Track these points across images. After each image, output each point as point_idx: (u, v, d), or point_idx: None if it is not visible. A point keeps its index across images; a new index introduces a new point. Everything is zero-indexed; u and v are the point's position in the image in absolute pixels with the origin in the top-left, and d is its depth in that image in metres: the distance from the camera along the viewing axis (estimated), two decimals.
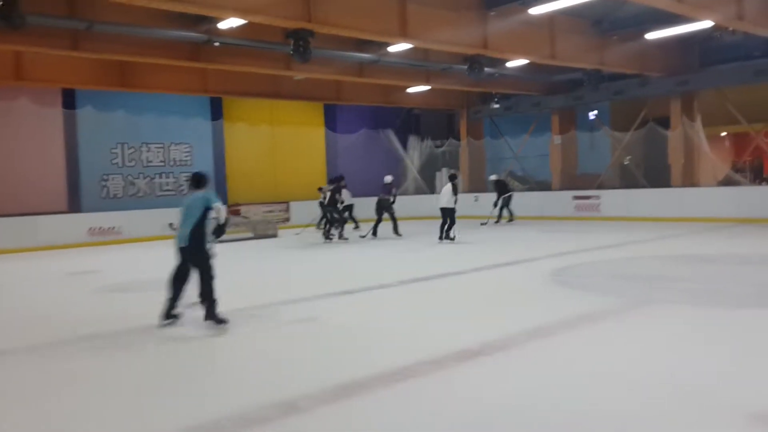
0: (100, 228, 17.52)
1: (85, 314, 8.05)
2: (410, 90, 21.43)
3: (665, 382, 4.48)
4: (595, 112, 22.94)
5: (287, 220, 21.36)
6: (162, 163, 20.00)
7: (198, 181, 6.96)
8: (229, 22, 12.31)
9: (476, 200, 21.67)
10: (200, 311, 6.63)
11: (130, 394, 4.81)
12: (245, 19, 11.68)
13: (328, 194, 16.02)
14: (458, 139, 25.14)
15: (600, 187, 20.65)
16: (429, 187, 25.02)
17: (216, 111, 21.01)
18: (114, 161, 19.08)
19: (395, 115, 25.43)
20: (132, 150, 19.41)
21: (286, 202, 21.77)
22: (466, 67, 15.60)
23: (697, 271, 9.59)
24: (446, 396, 4.43)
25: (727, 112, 18.70)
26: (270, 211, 20.92)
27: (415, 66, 17.44)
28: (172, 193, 20.09)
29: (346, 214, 17.86)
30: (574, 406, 4.13)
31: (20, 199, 17.08)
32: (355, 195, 19.31)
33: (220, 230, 6.85)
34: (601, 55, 16.30)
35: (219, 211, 6.71)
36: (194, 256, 6.63)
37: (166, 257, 14.00)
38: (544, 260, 11.04)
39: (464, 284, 9.30)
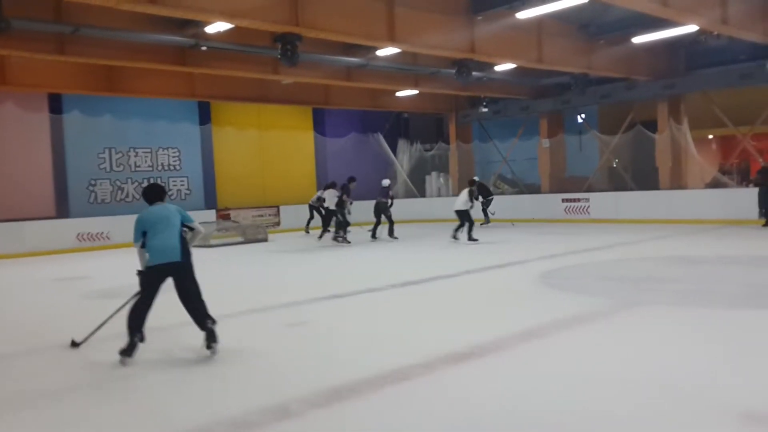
0: (88, 233, 17.38)
1: (73, 320, 7.98)
2: (399, 94, 21.47)
3: (656, 382, 4.49)
4: (583, 115, 23.07)
5: (277, 224, 21.32)
6: (150, 168, 19.89)
7: (158, 193, 6.21)
8: (217, 26, 12.26)
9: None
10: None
11: (119, 400, 4.77)
12: (232, 23, 11.64)
13: (329, 196, 16.22)
14: (447, 142, 25.21)
15: (589, 189, 20.76)
16: (419, 190, 25.05)
17: (204, 115, 20.94)
18: (102, 166, 18.96)
19: (384, 118, 25.45)
20: (120, 155, 19.30)
21: (276, 206, 21.73)
22: (454, 71, 15.66)
23: (685, 272, 9.65)
24: (437, 398, 4.42)
25: (714, 115, 18.87)
26: (260, 216, 20.87)
27: (404, 70, 17.47)
28: None
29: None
30: (565, 408, 4.13)
31: (7, 205, 16.94)
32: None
33: (186, 248, 6.02)
34: (589, 59, 16.40)
35: (196, 231, 6.15)
36: (189, 272, 5.94)
37: None
38: (534, 262, 11.07)
39: (455, 287, 9.30)
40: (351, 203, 15.99)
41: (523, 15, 12.89)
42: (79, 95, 17.76)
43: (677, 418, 3.89)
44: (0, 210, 16.73)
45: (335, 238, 15.90)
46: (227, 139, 21.53)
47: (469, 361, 5.28)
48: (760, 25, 13.53)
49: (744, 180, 19.72)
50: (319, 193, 19.00)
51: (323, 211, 17.65)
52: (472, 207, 14.65)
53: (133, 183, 19.51)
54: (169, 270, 5.83)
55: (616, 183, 21.24)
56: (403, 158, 25.73)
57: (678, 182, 19.01)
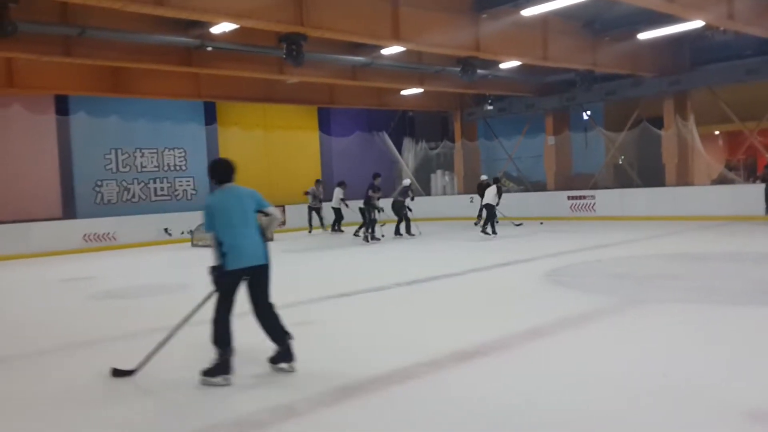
0: (94, 234, 17.47)
1: (79, 321, 8.03)
2: (404, 92, 21.46)
3: (661, 380, 4.48)
4: (589, 112, 23.01)
5: (283, 223, 21.32)
6: (156, 169, 19.96)
7: (227, 171, 5.21)
8: (222, 27, 12.30)
9: (471, 201, 21.70)
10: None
11: (124, 400, 4.80)
12: (238, 24, 11.67)
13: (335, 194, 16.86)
14: (453, 140, 25.18)
15: (594, 186, 20.71)
16: (424, 189, 25.03)
17: (210, 116, 20.99)
18: (108, 167, 19.04)
19: (389, 117, 25.45)
20: (126, 156, 19.37)
21: (282, 206, 21.72)
22: (459, 69, 15.64)
23: (691, 269, 9.63)
24: (443, 397, 4.43)
25: (720, 111, 18.78)
26: (265, 215, 20.92)
27: (409, 68, 17.46)
28: (167, 198, 20.07)
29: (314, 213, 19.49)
30: (571, 406, 4.14)
31: (14, 206, 17.03)
32: (350, 198, 19.39)
33: (264, 235, 5.19)
34: (594, 55, 16.35)
35: (273, 217, 5.24)
36: (268, 275, 5.11)
37: (162, 263, 14.07)
38: (540, 260, 11.06)
39: (461, 285, 9.30)
40: (378, 199, 16.09)
41: (527, 12, 12.86)
42: (85, 96, 17.84)
43: (682, 416, 3.89)
44: (7, 211, 16.82)
45: (365, 237, 15.92)
46: (233, 139, 21.58)
47: (475, 359, 5.29)
48: (766, 20, 13.45)
49: (751, 176, 19.63)
50: (311, 190, 19.14)
51: (320, 210, 18.19)
52: (498, 203, 15.44)
53: (139, 183, 19.59)
54: (249, 275, 5.02)
55: (621, 180, 21.17)
56: (409, 157, 25.72)
57: (684, 179, 18.94)
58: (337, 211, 19.38)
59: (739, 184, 17.99)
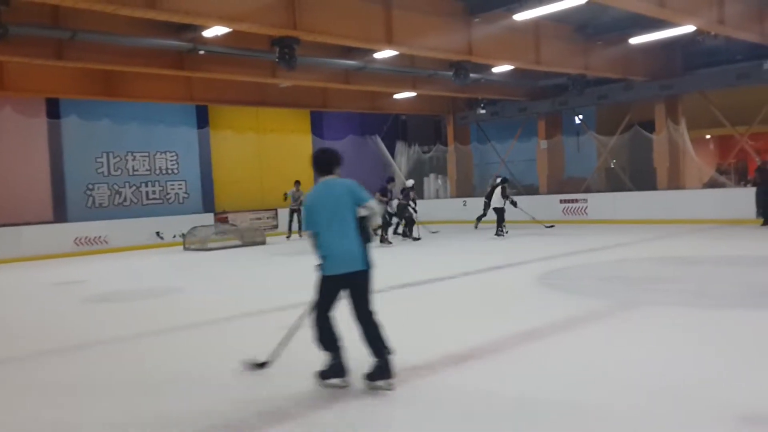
0: (86, 238, 17.39)
1: (71, 324, 7.98)
2: (397, 96, 21.47)
3: (654, 383, 4.49)
4: (581, 116, 23.09)
5: (275, 227, 21.31)
6: (148, 172, 19.90)
7: (328, 161, 4.78)
8: (214, 30, 12.28)
9: (465, 205, 21.74)
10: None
11: (114, 403, 4.76)
12: (230, 27, 11.66)
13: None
14: (445, 144, 25.22)
15: (587, 190, 20.77)
16: (417, 192, 24.98)
17: (202, 119, 20.95)
18: (99, 170, 18.97)
19: (382, 121, 25.46)
20: (117, 159, 19.30)
21: (274, 209, 21.72)
22: (451, 73, 15.68)
23: (683, 272, 9.66)
24: (438, 399, 4.42)
25: (711, 115, 18.90)
26: (257, 219, 20.87)
27: (401, 72, 17.50)
28: (159, 201, 20.01)
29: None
30: (564, 409, 4.13)
31: (5, 210, 16.93)
32: None
33: (366, 236, 4.64)
34: (586, 60, 16.42)
35: (373, 212, 4.61)
36: (369, 282, 4.64)
37: (153, 266, 14.01)
38: (533, 263, 11.08)
39: (455, 288, 9.30)
40: (388, 204, 16.07)
41: (520, 17, 12.90)
42: (76, 100, 17.77)
43: (675, 419, 3.89)
44: None
45: (405, 234, 15.78)
46: (225, 142, 21.54)
47: (469, 362, 5.28)
48: (756, 25, 13.56)
49: (742, 180, 19.74)
50: (291, 191, 18.77)
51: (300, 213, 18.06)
52: (504, 204, 16.01)
53: (130, 187, 19.52)
54: (347, 282, 4.58)
55: (613, 184, 21.25)
56: (401, 160, 25.73)
57: (676, 182, 19.02)
58: None
59: (730, 187, 18.09)
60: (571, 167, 22.76)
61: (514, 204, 16.85)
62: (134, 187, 19.57)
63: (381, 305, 8.19)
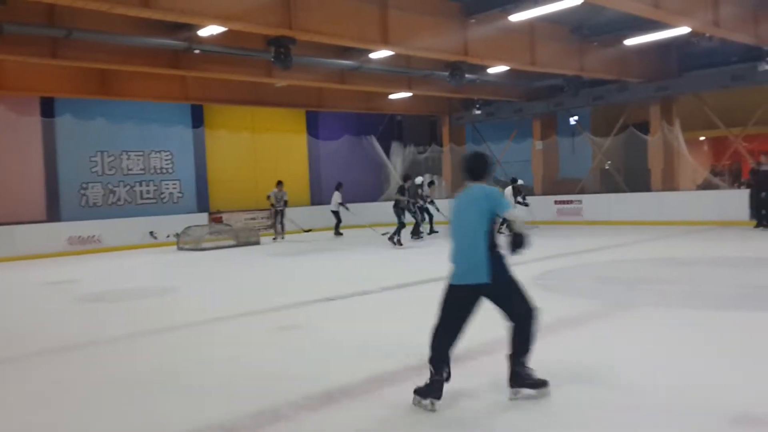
0: (79, 237, 17.32)
1: (64, 324, 7.95)
2: (392, 96, 21.46)
3: (648, 384, 4.50)
4: (576, 117, 23.13)
5: (270, 227, 21.24)
6: (142, 171, 19.84)
7: (476, 167, 4.54)
8: (210, 30, 12.23)
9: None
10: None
11: (108, 405, 4.74)
12: (226, 27, 11.63)
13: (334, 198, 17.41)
14: (441, 145, 25.23)
15: (581, 191, 20.80)
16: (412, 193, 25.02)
17: (197, 118, 20.89)
18: (94, 169, 18.89)
19: (378, 121, 25.45)
20: (112, 158, 19.23)
21: (269, 210, 21.65)
22: (447, 73, 15.67)
23: (678, 273, 9.68)
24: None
25: (706, 116, 18.95)
26: (252, 219, 20.82)
27: (397, 72, 17.49)
28: (153, 201, 19.95)
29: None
30: (557, 410, 4.13)
31: None
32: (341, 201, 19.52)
33: (518, 242, 4.32)
34: (581, 61, 16.44)
35: (516, 221, 4.31)
36: (502, 292, 4.33)
37: (147, 266, 13.97)
38: (529, 264, 11.03)
39: None
40: (407, 202, 16.13)
41: (515, 18, 12.91)
42: (71, 98, 17.71)
43: (670, 420, 3.89)
44: None
45: (391, 239, 15.52)
46: (220, 142, 21.49)
47: (462, 363, 5.26)
48: (751, 27, 13.61)
49: (736, 181, 19.80)
50: (273, 192, 18.58)
51: (283, 215, 18.19)
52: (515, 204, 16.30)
53: (125, 186, 19.45)
54: (474, 294, 4.32)
55: (608, 185, 21.28)
56: (397, 161, 25.73)
57: (670, 184, 19.07)
58: (336, 214, 19.35)
59: (724, 189, 18.14)
60: (566, 168, 22.79)
61: (525, 205, 17.24)
62: (128, 187, 19.50)
63: (373, 306, 8.22)
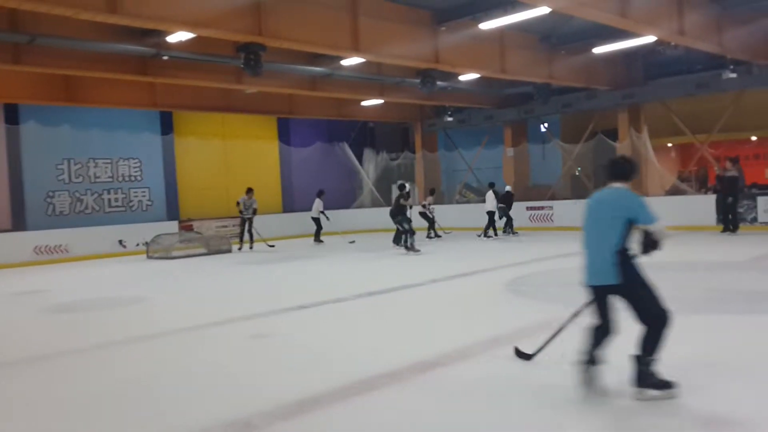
0: (46, 246, 16.96)
1: (30, 336, 7.76)
2: (364, 103, 21.48)
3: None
4: (546, 124, 23.39)
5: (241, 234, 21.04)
6: (110, 179, 19.52)
7: (618, 167, 4.52)
8: (178, 36, 12.10)
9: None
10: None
11: (76, 417, 4.63)
12: (195, 33, 11.50)
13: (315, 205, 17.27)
14: (413, 151, 25.32)
15: (552, 197, 21.01)
16: (385, 199, 25.05)
17: (166, 125, 20.64)
18: (60, 177, 18.54)
19: (350, 128, 25.43)
20: (79, 166, 18.89)
21: (240, 217, 21.46)
22: (418, 80, 15.73)
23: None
24: (404, 408, 4.38)
25: (673, 123, 19.30)
26: (223, 226, 20.61)
27: (369, 79, 17.49)
28: (122, 209, 19.64)
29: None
30: (532, 416, 4.13)
31: None
32: (309, 208, 19.43)
33: (650, 242, 4.44)
34: (550, 69, 16.63)
35: (657, 230, 4.39)
36: (631, 291, 4.33)
37: (116, 275, 13.72)
38: (500, 270, 11.14)
39: (422, 296, 9.29)
40: (411, 207, 16.05)
41: (485, 26, 13.01)
42: (36, 105, 17.37)
43: (639, 425, 3.92)
44: None
45: (406, 247, 15.06)
46: (190, 149, 21.27)
47: (436, 369, 5.26)
48: (715, 35, 13.89)
49: (702, 187, 20.17)
50: (242, 199, 17.98)
51: (251, 223, 17.83)
52: (495, 206, 17.37)
53: (92, 194, 19.12)
54: (604, 293, 4.40)
55: (578, 191, 21.51)
56: (369, 167, 25.74)
57: (638, 190, 19.26)
58: (317, 221, 19.21)
59: (691, 195, 18.47)
60: (537, 175, 23.01)
61: (505, 210, 17.83)
62: (96, 195, 19.17)
63: (346, 314, 8.17)
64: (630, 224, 4.26)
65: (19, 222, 17.72)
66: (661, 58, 15.79)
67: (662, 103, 19.32)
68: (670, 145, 23.59)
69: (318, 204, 19.23)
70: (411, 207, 16.15)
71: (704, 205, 16.39)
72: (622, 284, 4.25)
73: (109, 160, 19.49)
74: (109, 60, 13.82)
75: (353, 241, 19.02)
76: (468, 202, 23.63)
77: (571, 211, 19.45)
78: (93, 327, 8.10)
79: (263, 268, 13.85)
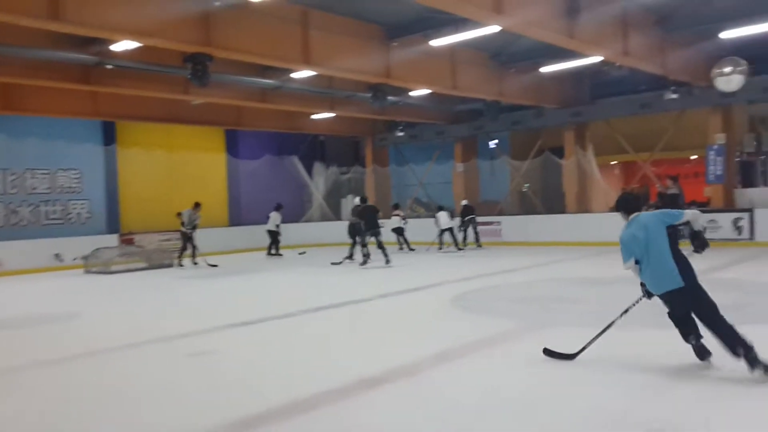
0: None
1: None
2: (315, 116, 21.31)
3: (566, 404, 4.50)
4: (496, 141, 23.68)
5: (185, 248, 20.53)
6: (48, 190, 18.79)
7: (633, 203, 5.85)
8: (123, 45, 11.73)
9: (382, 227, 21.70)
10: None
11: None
12: (140, 43, 11.20)
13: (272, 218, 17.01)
14: (364, 165, 25.28)
15: (500, 213, 21.24)
16: (335, 213, 24.90)
17: (108, 135, 20.03)
18: None
19: (300, 141, 25.22)
20: (14, 176, 18.12)
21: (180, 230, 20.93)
22: (369, 95, 15.70)
23: (593, 293, 9.91)
24: (349, 426, 4.27)
25: (617, 142, 19.79)
26: (167, 240, 20.05)
27: (319, 93, 17.37)
28: (60, 222, 18.90)
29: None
30: (477, 430, 4.06)
31: None
32: (261, 222, 19.14)
33: (699, 240, 5.27)
34: (500, 86, 16.85)
35: (695, 217, 5.27)
36: (695, 296, 5.05)
37: (51, 290, 13.16)
38: (447, 285, 11.12)
39: (368, 311, 9.18)
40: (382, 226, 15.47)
41: (436, 43, 13.09)
42: None
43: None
44: None
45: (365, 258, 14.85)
46: (134, 160, 20.67)
47: (381, 386, 5.16)
48: (658, 57, 14.29)
49: (645, 204, 20.68)
50: (187, 212, 17.20)
51: (192, 239, 16.98)
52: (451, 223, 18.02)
53: (29, 206, 18.34)
54: (675, 298, 5.17)
55: (526, 207, 21.85)
56: (319, 181, 25.56)
57: (584, 206, 19.74)
58: (274, 235, 18.83)
59: None
60: (486, 190, 23.25)
61: (465, 225, 18.42)
62: (33, 206, 18.41)
63: (292, 330, 7.99)
64: (668, 229, 5.20)
65: None
66: (607, 79, 16.17)
67: (606, 122, 19.80)
68: (614, 162, 24.17)
69: (275, 217, 18.90)
70: (381, 218, 15.52)
71: None
72: (683, 287, 5.02)
73: (47, 171, 18.77)
74: (49, 68, 13.28)
75: (304, 252, 18.78)
76: (418, 216, 23.65)
77: (518, 226, 19.74)
78: (26, 344, 7.70)
79: (206, 282, 13.50)
